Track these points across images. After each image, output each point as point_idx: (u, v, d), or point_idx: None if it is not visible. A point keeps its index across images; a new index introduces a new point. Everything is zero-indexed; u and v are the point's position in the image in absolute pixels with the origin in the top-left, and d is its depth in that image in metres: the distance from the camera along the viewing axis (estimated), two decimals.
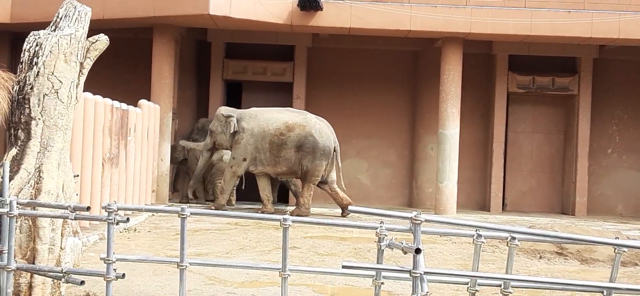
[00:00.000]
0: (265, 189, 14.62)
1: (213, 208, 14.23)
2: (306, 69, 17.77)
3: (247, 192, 15.89)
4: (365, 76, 18.24)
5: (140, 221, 12.20)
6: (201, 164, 15.19)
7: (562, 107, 18.23)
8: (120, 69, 17.36)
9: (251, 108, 15.00)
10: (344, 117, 17.57)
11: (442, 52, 16.04)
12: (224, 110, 14.77)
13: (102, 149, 11.53)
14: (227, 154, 15.20)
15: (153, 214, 12.99)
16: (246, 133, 14.33)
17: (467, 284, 5.77)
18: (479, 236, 5.53)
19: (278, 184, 16.11)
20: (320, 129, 14.32)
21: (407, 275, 5.00)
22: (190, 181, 15.92)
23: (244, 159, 14.35)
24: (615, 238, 5.85)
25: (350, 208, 5.45)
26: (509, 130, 18.16)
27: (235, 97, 18.63)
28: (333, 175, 14.59)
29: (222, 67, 17.73)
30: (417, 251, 4.91)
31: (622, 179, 18.15)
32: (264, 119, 14.42)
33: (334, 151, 14.35)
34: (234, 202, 15.44)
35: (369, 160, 18.19)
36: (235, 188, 15.16)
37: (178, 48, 16.62)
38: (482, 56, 17.71)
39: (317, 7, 15.18)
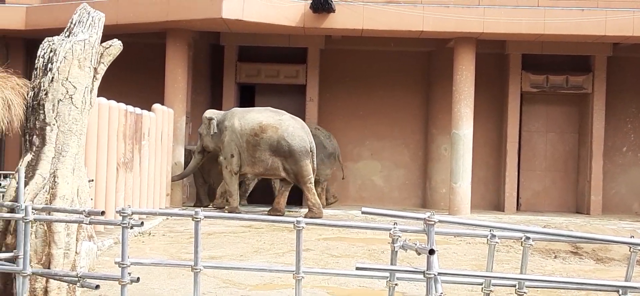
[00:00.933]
0: (231, 188, 14.59)
1: (226, 211, 14.26)
2: (319, 71, 17.78)
3: (260, 196, 15.97)
4: (378, 77, 18.23)
5: (154, 225, 12.24)
6: (191, 165, 15.37)
7: (576, 106, 18.14)
8: (134, 73, 17.43)
9: (234, 108, 15.16)
10: (357, 118, 17.57)
11: (455, 52, 16.00)
12: (208, 113, 14.94)
13: (117, 154, 11.59)
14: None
15: (167, 218, 13.04)
16: (228, 131, 14.51)
17: (482, 284, 5.76)
18: (493, 236, 5.51)
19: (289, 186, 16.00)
20: (293, 131, 14.30)
21: (421, 276, 5.00)
22: (201, 185, 16.02)
23: (232, 156, 14.52)
24: (631, 237, 5.82)
25: (363, 209, 5.43)
26: (523, 129, 18.09)
27: (248, 100, 18.67)
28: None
29: (235, 70, 17.78)
30: (431, 252, 4.90)
31: (637, 178, 18.05)
32: (243, 118, 14.57)
33: (311, 151, 14.33)
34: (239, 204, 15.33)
35: (383, 161, 18.17)
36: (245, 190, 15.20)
37: (191, 52, 16.68)
38: (495, 56, 17.66)
39: (330, 9, 15.19)
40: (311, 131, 15.07)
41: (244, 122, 14.48)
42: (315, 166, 14.44)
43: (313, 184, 14.32)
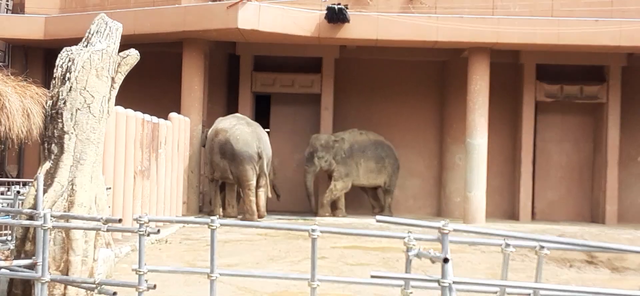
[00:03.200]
0: (211, 194, 15.39)
1: (239, 218, 14.50)
2: (334, 81, 17.83)
3: (280, 203, 16.24)
4: (392, 87, 18.27)
5: (171, 232, 12.32)
6: None
7: (591, 115, 18.10)
8: (151, 83, 17.56)
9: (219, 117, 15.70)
10: (372, 127, 17.60)
11: (469, 62, 16.02)
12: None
13: (134, 162, 11.68)
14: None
15: (184, 226, 13.12)
16: (208, 139, 15.28)
17: (496, 293, 5.77)
18: (508, 245, 5.53)
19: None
20: (239, 135, 14.61)
21: (436, 284, 5.02)
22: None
23: (206, 163, 15.09)
24: None
25: (378, 218, 5.46)
26: (537, 139, 18.06)
27: (264, 109, 18.75)
28: (260, 181, 14.82)
29: (250, 79, 17.87)
30: (446, 260, 4.93)
31: None
32: (214, 126, 15.23)
33: (259, 157, 14.53)
34: (222, 213, 15.39)
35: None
36: (238, 199, 15.52)
37: (207, 62, 16.78)
38: (510, 65, 17.65)
39: (344, 20, 15.25)
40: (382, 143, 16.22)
41: (212, 131, 15.23)
42: (265, 171, 14.65)
43: (252, 189, 14.50)
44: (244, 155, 14.48)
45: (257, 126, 15.09)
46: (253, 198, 14.52)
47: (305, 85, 17.96)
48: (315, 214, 16.22)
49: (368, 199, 17.34)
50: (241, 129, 14.71)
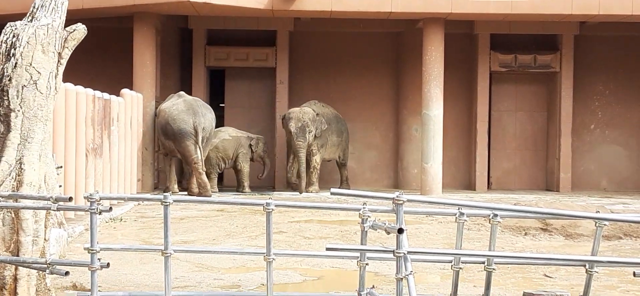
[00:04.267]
0: (166, 170, 15.53)
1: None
2: (289, 54, 17.74)
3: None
4: (348, 59, 18.24)
5: (126, 210, 12.18)
6: None
7: (545, 84, 18.30)
8: (101, 58, 17.28)
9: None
10: (328, 100, 17.54)
11: (424, 33, 16.03)
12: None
13: (85, 140, 11.49)
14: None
15: (139, 204, 12.98)
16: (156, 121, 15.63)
17: (451, 262, 5.81)
18: (462, 214, 5.56)
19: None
20: (175, 114, 14.69)
21: (391, 255, 5.02)
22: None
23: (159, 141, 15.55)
24: (596, 212, 5.90)
25: (332, 190, 5.45)
26: (493, 109, 18.22)
27: (218, 84, 18.59)
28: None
29: (204, 54, 17.68)
30: (400, 231, 4.93)
31: (605, 155, 18.28)
32: (159, 107, 15.46)
33: (196, 132, 14.51)
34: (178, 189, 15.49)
35: (354, 143, 18.19)
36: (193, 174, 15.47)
37: (159, 36, 16.55)
38: (464, 36, 17.73)
39: None
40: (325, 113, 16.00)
41: (157, 110, 15.49)
42: (200, 145, 14.59)
43: (199, 163, 14.50)
44: (182, 132, 14.53)
45: (196, 101, 15.03)
46: (202, 172, 14.53)
47: (260, 59, 17.83)
48: (303, 191, 15.78)
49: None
50: (178, 107, 14.77)
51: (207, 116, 14.82)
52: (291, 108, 16.49)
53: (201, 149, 14.52)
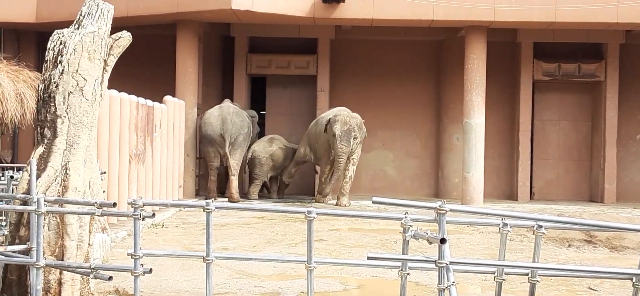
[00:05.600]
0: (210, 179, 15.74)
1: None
2: (330, 62, 17.75)
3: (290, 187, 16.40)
4: (389, 67, 18.19)
5: (167, 216, 12.28)
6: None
7: (589, 93, 18.04)
8: (145, 66, 17.48)
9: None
10: (368, 108, 17.53)
11: (466, 41, 15.93)
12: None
13: (129, 146, 11.61)
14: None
15: (181, 210, 13.07)
16: None
17: (494, 273, 5.74)
18: (505, 225, 5.49)
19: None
20: (206, 119, 15.33)
21: (433, 265, 4.98)
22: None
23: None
24: None
25: (374, 199, 5.42)
26: (535, 118, 18.02)
27: (260, 91, 18.67)
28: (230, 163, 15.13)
29: (246, 61, 17.78)
30: (442, 241, 4.88)
31: None
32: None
33: (223, 139, 14.96)
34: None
35: (394, 151, 18.14)
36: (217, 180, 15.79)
37: (202, 44, 16.68)
38: (507, 44, 17.57)
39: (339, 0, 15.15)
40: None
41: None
42: (227, 152, 14.92)
43: (213, 170, 15.27)
44: (207, 137, 15.28)
45: (229, 108, 15.24)
46: (214, 178, 15.26)
47: (301, 66, 17.87)
48: (327, 196, 15.54)
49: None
50: (211, 114, 15.33)
51: (236, 122, 15.07)
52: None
53: (229, 155, 14.91)
